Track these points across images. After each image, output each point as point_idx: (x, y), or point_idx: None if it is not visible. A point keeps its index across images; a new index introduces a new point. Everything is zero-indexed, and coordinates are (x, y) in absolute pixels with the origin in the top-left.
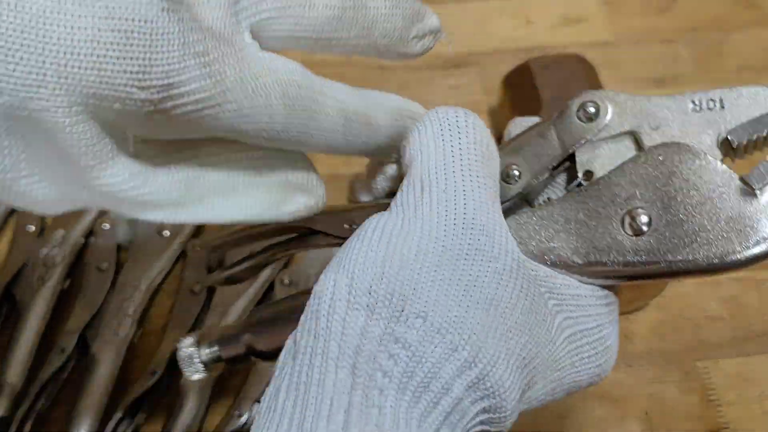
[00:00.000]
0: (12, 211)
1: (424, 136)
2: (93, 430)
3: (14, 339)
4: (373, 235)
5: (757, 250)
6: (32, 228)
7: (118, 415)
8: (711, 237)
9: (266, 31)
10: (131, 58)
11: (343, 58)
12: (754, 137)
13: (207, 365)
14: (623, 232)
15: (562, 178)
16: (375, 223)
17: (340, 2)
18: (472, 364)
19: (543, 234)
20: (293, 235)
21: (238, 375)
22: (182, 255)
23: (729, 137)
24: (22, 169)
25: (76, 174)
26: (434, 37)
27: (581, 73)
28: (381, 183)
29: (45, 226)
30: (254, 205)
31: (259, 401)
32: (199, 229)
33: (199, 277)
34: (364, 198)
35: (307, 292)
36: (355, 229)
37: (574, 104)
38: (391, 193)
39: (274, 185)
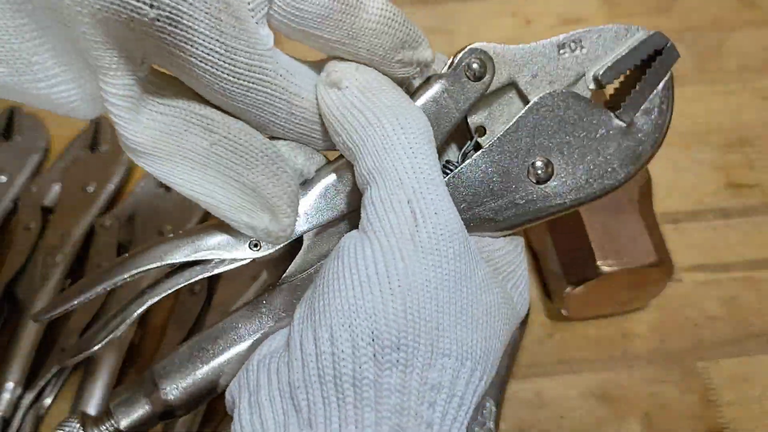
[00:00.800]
0: (13, 211)
1: (389, 147)
2: None
3: (15, 338)
4: (378, 278)
5: (626, 174)
6: (33, 227)
7: None
8: (603, 171)
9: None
10: None
11: None
12: (619, 76)
13: None
14: (530, 182)
15: (456, 138)
16: (370, 257)
17: (330, 2)
18: (481, 379)
19: (464, 202)
20: (173, 267)
21: None
22: None
23: (600, 78)
24: (41, 62)
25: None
26: (422, 69)
27: None
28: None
29: (46, 225)
30: (219, 194)
31: None
32: None
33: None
34: None
35: (217, 334)
36: (257, 249)
37: (461, 63)
38: None
39: (244, 187)
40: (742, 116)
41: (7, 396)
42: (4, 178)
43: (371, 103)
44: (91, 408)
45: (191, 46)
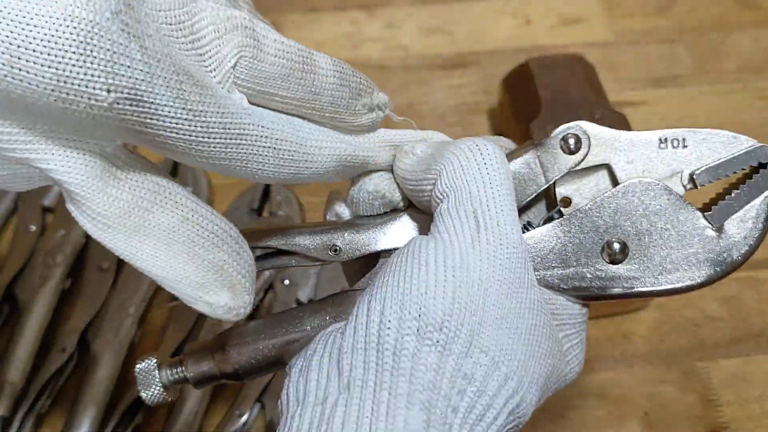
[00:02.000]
0: (13, 211)
1: (466, 167)
2: (93, 430)
3: (15, 338)
4: (436, 265)
5: (707, 276)
6: (33, 228)
7: (118, 415)
8: (677, 266)
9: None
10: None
11: (343, 57)
12: (715, 180)
13: (167, 387)
14: (602, 261)
15: (540, 207)
16: (432, 249)
17: (289, 61)
18: (516, 393)
19: (533, 261)
20: (272, 250)
21: None
22: None
23: (695, 178)
24: None
25: None
26: (383, 111)
27: (581, 73)
28: (377, 207)
29: (46, 225)
30: (181, 271)
31: (260, 401)
32: None
33: None
34: (339, 209)
35: (285, 312)
36: (339, 255)
37: (557, 136)
38: (365, 215)
39: (209, 265)
40: (741, 116)
41: (7, 396)
42: None
43: (445, 147)
44: (91, 408)
45: (157, 120)
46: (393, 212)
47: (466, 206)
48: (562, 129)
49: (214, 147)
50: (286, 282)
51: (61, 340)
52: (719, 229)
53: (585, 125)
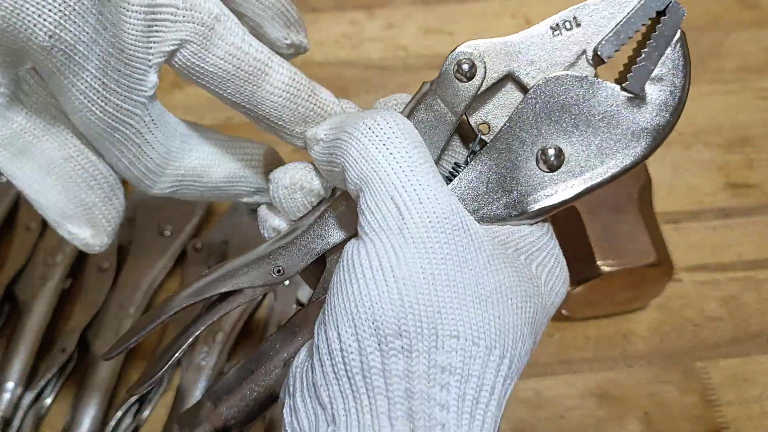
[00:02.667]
0: (14, 211)
1: (366, 154)
2: (93, 430)
3: (15, 338)
4: (373, 273)
5: (648, 146)
6: (33, 227)
7: (119, 414)
8: (617, 148)
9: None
10: None
11: (343, 58)
12: (620, 48)
13: None
14: (541, 172)
15: (456, 139)
16: (365, 257)
17: (233, 67)
18: (503, 358)
19: (475, 201)
20: (214, 301)
21: None
22: (182, 255)
23: (599, 53)
24: None
25: None
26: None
27: None
28: (300, 200)
29: (46, 225)
30: (53, 200)
31: None
32: (199, 229)
33: None
34: (274, 222)
35: (259, 347)
36: (286, 274)
37: (449, 67)
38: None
39: (80, 202)
40: (742, 116)
41: (7, 396)
42: (4, 178)
43: (343, 129)
44: (91, 407)
45: (75, 78)
46: (320, 204)
47: (382, 195)
48: (450, 58)
49: (100, 122)
50: (286, 282)
51: (61, 340)
52: (642, 96)
53: (473, 45)
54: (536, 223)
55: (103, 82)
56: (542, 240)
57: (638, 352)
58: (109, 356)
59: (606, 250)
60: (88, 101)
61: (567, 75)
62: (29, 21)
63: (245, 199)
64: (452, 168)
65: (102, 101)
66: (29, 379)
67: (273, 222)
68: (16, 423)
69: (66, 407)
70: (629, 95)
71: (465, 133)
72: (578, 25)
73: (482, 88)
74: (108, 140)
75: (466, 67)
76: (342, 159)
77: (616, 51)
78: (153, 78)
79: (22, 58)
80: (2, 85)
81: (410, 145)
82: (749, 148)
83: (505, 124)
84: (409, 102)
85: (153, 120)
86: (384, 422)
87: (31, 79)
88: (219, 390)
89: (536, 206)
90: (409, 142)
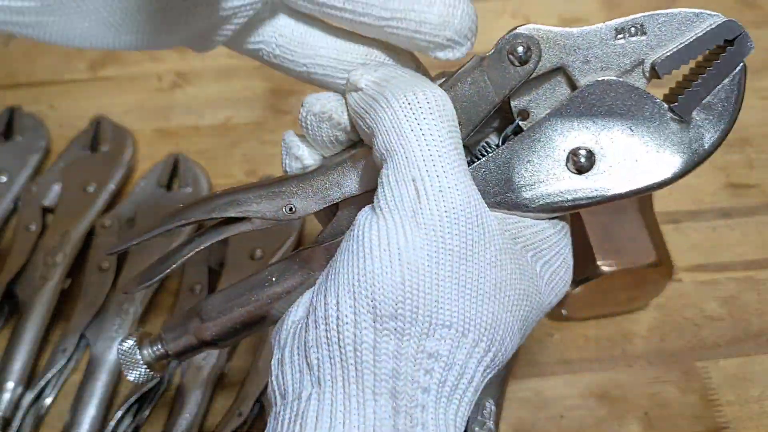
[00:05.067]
0: (13, 211)
1: (398, 128)
2: (93, 430)
3: (15, 338)
4: (381, 251)
5: (679, 168)
6: (33, 227)
7: (119, 414)
8: (648, 166)
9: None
10: None
11: None
12: (679, 67)
13: (151, 365)
14: (568, 172)
15: (495, 121)
16: (375, 233)
17: None
18: (488, 351)
19: (497, 185)
20: (219, 220)
21: (239, 374)
22: None
23: (657, 69)
24: None
25: None
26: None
27: None
28: (326, 131)
29: (46, 225)
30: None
31: (260, 401)
32: (198, 229)
33: (198, 276)
34: (298, 152)
35: (254, 275)
36: (296, 213)
37: (505, 47)
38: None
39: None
40: (742, 116)
41: (7, 396)
42: (4, 178)
43: (385, 89)
44: (91, 408)
45: None
46: (345, 152)
47: (404, 174)
48: (507, 38)
49: None
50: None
51: (61, 340)
52: (688, 119)
53: (532, 29)
54: (553, 218)
55: None
56: (554, 238)
57: (638, 352)
58: (111, 252)
59: (606, 250)
60: None
61: (620, 82)
62: None
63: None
64: (482, 147)
65: None
66: (29, 379)
67: (297, 151)
68: (16, 423)
69: (66, 407)
70: (676, 117)
71: (503, 114)
72: (643, 33)
73: (533, 75)
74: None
75: (521, 50)
76: (374, 124)
77: (674, 69)
78: None
79: None
80: None
81: (444, 130)
82: (749, 148)
83: (545, 116)
84: (455, 72)
85: None
86: (368, 396)
87: None
88: (208, 308)
89: (556, 204)
90: (445, 126)
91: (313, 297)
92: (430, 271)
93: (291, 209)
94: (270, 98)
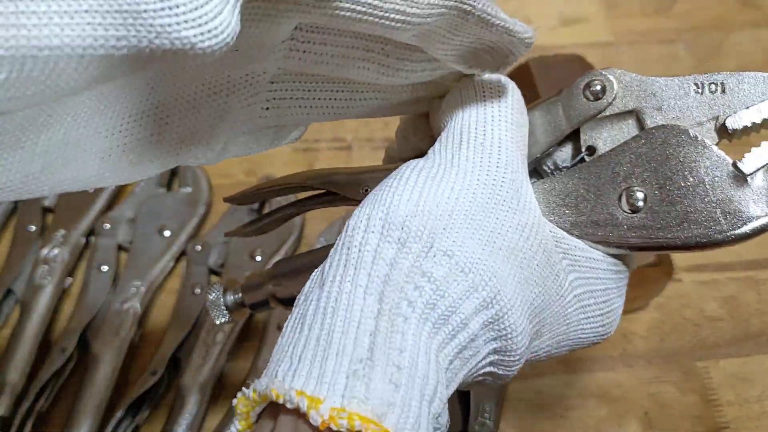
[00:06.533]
0: (13, 211)
1: (465, 96)
2: (93, 430)
3: (15, 338)
4: (410, 176)
5: (741, 230)
6: (33, 228)
7: (119, 414)
8: (701, 218)
9: None
10: None
11: None
12: (750, 124)
13: (231, 310)
14: (620, 209)
15: (567, 152)
16: (413, 166)
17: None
18: (490, 305)
19: (546, 205)
20: (314, 193)
21: (239, 373)
22: (182, 255)
23: (728, 126)
24: None
25: None
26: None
27: (581, 74)
28: (405, 150)
29: (46, 225)
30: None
31: None
32: (199, 229)
33: (199, 277)
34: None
35: (327, 248)
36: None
37: (582, 82)
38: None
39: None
40: None
41: (7, 396)
42: None
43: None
44: (91, 408)
45: None
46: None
47: (456, 129)
48: (587, 76)
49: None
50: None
51: (61, 340)
52: (745, 180)
53: (612, 72)
54: (601, 250)
55: None
56: (600, 265)
57: (638, 352)
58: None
59: None
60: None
61: (683, 128)
62: None
63: None
64: (548, 171)
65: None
66: (29, 379)
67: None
68: (16, 423)
69: (66, 407)
70: (735, 172)
71: (573, 147)
72: (723, 91)
73: (606, 113)
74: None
75: (597, 88)
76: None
77: (744, 127)
78: None
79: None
80: None
81: (505, 104)
82: (749, 148)
83: (607, 151)
84: (537, 101)
85: None
86: (359, 294)
87: None
88: (286, 268)
89: (599, 237)
90: (507, 101)
91: None
92: (448, 204)
93: (366, 191)
94: None
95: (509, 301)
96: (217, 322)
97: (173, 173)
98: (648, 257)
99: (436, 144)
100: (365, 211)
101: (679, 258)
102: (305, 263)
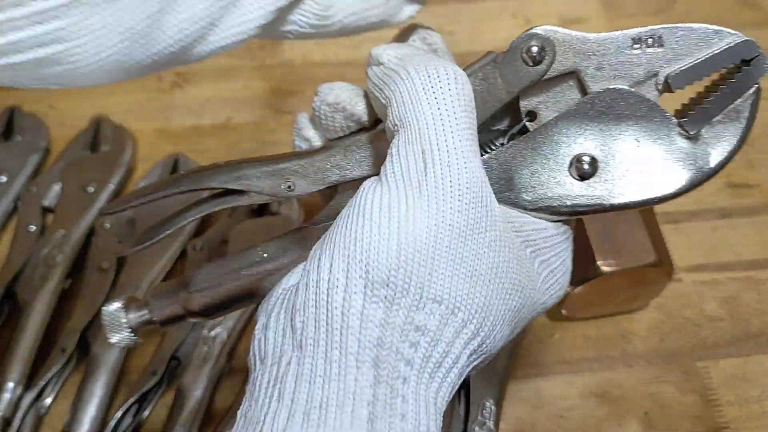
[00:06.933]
0: (13, 211)
1: (416, 99)
2: (93, 430)
3: (15, 338)
4: (380, 217)
5: (682, 185)
6: (33, 228)
7: (119, 414)
8: (652, 178)
9: None
10: None
11: (343, 58)
12: (693, 83)
13: (135, 330)
14: (570, 177)
15: (505, 119)
16: (378, 201)
17: None
18: (475, 335)
19: (498, 183)
20: (218, 190)
21: (239, 374)
22: (182, 255)
23: (670, 82)
24: None
25: None
26: None
27: None
28: (339, 122)
29: (46, 225)
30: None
31: None
32: (199, 229)
33: None
34: (308, 133)
35: (247, 249)
36: (294, 191)
37: (518, 46)
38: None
39: None
40: None
41: (7, 396)
42: (4, 178)
43: (407, 63)
44: (92, 407)
45: None
46: (352, 135)
47: (415, 146)
48: (523, 37)
49: None
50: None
51: (61, 340)
52: (696, 136)
53: (549, 30)
54: (556, 221)
55: None
56: (555, 239)
57: (638, 352)
58: (107, 211)
59: (606, 250)
60: None
61: (631, 91)
62: None
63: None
64: (487, 144)
65: None
66: (29, 379)
67: (308, 133)
68: (16, 423)
69: (66, 407)
70: (684, 132)
71: (511, 114)
72: (661, 45)
73: (545, 77)
74: None
75: (535, 50)
76: (391, 95)
77: (688, 85)
78: None
79: None
80: None
81: (461, 108)
82: (749, 148)
83: (552, 119)
84: (468, 66)
85: None
86: (351, 362)
87: None
88: (197, 279)
89: (555, 207)
90: (462, 103)
91: (307, 263)
92: (428, 244)
93: (290, 187)
94: (270, 98)
95: (493, 323)
96: (113, 341)
97: (173, 170)
98: (647, 256)
99: (394, 159)
100: (337, 262)
101: (679, 258)
102: (226, 268)
